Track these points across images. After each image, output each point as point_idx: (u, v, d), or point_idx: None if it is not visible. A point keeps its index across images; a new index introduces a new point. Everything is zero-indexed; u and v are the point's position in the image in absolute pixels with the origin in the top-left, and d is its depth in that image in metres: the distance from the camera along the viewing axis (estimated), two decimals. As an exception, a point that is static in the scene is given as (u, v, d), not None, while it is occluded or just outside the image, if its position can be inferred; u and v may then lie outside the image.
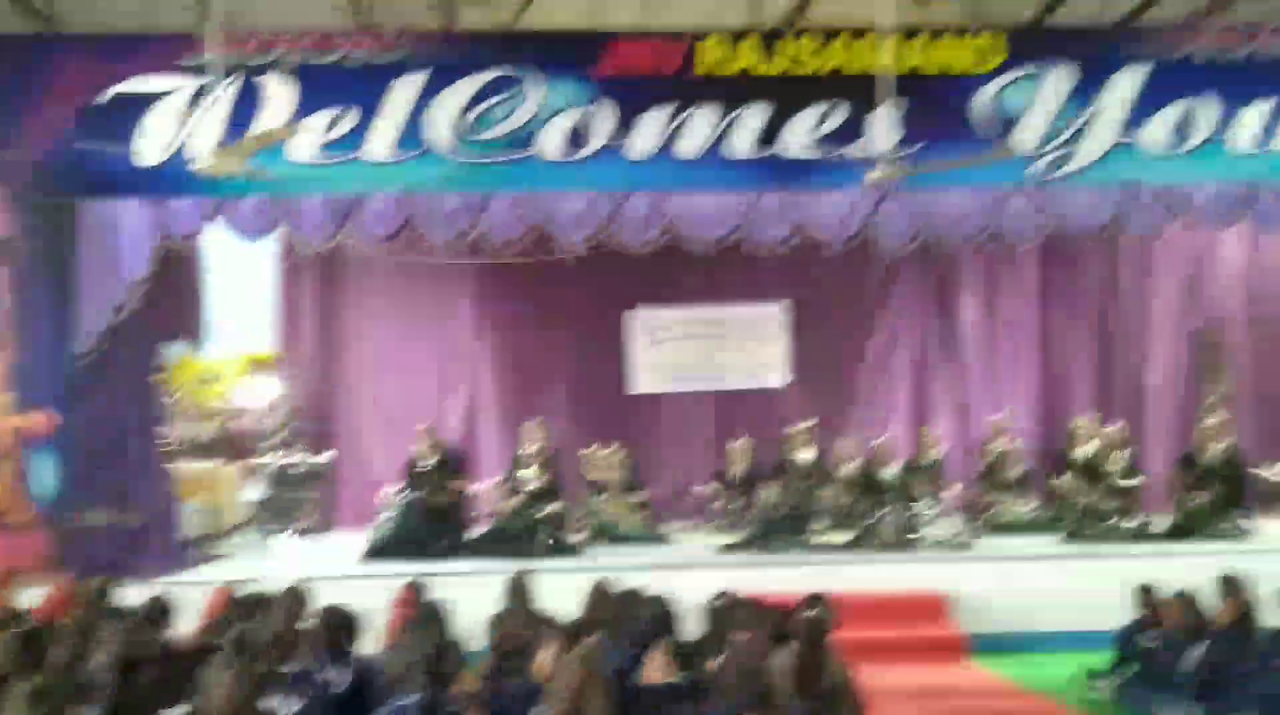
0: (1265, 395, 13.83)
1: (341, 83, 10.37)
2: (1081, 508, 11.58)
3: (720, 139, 10.45)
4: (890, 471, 12.47)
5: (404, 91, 10.39)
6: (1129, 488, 11.76)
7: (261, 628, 5.64)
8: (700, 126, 10.44)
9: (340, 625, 6.13)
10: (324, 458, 13.89)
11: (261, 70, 10.27)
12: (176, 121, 10.15)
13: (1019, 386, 15.06)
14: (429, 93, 10.41)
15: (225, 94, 9.94)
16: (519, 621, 6.27)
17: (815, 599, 5.71)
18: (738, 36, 10.67)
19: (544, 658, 5.29)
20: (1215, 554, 9.86)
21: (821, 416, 13.52)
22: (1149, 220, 11.03)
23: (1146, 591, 7.78)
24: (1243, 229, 11.68)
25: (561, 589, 7.66)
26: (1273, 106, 10.75)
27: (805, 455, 12.42)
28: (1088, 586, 9.34)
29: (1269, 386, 13.79)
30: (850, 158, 10.07)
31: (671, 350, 14.75)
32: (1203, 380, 14.81)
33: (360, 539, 12.05)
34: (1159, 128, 10.69)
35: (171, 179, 10.20)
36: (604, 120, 10.44)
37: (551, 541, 10.89)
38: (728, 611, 6.20)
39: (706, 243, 10.89)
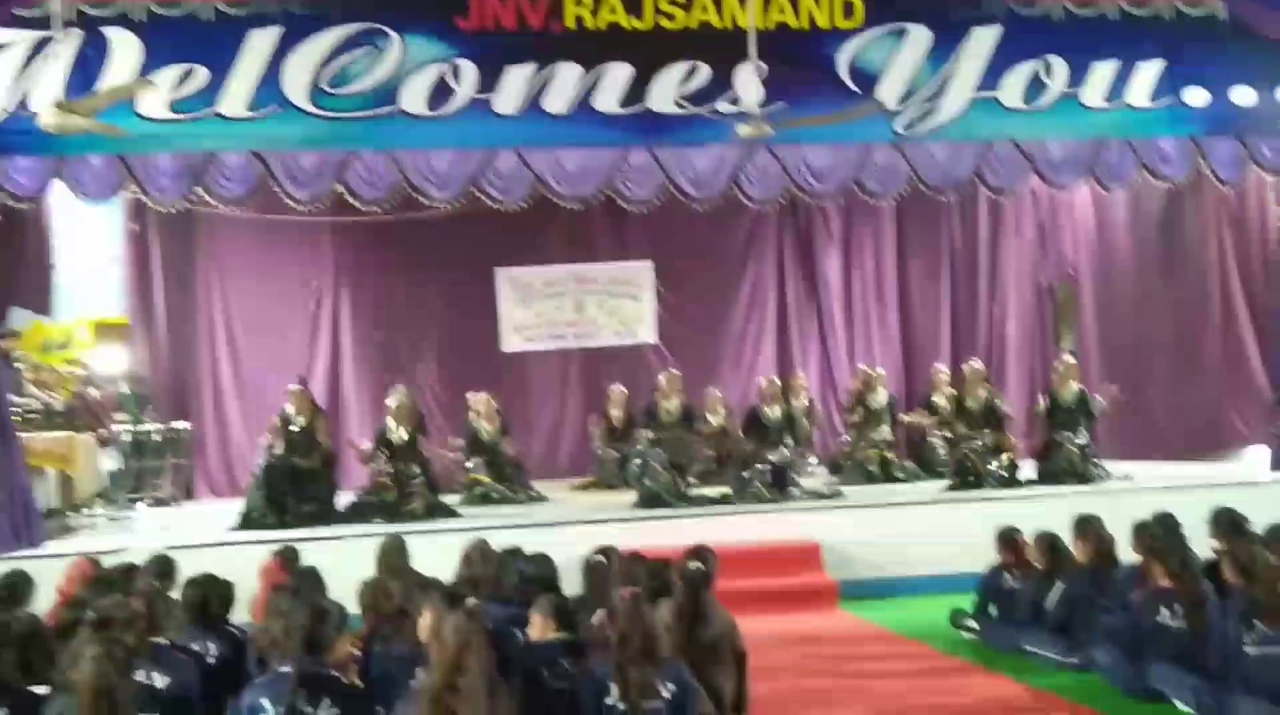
0: (1112, 347, 14.38)
1: (193, 36, 9.96)
2: (954, 452, 11.89)
3: (588, 95, 10.35)
4: (774, 413, 12.37)
5: (258, 45, 10.02)
6: (998, 421, 12.05)
7: (127, 600, 5.43)
8: (567, 82, 10.32)
9: (209, 594, 5.98)
10: (181, 425, 13.50)
11: (107, 23, 9.80)
12: (15, 75, 9.63)
13: (882, 337, 15.48)
14: (284, 47, 10.06)
15: (67, 47, 9.45)
16: (395, 585, 6.17)
17: (698, 551, 5.75)
18: (602, -10, 10.57)
19: (423, 622, 5.22)
20: (1077, 495, 10.28)
21: (691, 370, 13.63)
22: (1007, 175, 11.31)
23: (1009, 534, 8.03)
24: (1094, 185, 12.05)
25: (437, 551, 7.62)
26: (1119, 65, 11.09)
27: (673, 404, 12.41)
28: (955, 532, 9.61)
29: (1115, 338, 14.34)
30: (718, 113, 10.07)
31: (540, 308, 14.74)
32: (1056, 331, 15.41)
33: (222, 507, 11.79)
34: (1014, 85, 10.94)
35: (10, 136, 9.69)
36: (468, 76, 10.25)
37: (426, 503, 10.74)
38: (607, 567, 6.20)
39: (575, 199, 10.81)
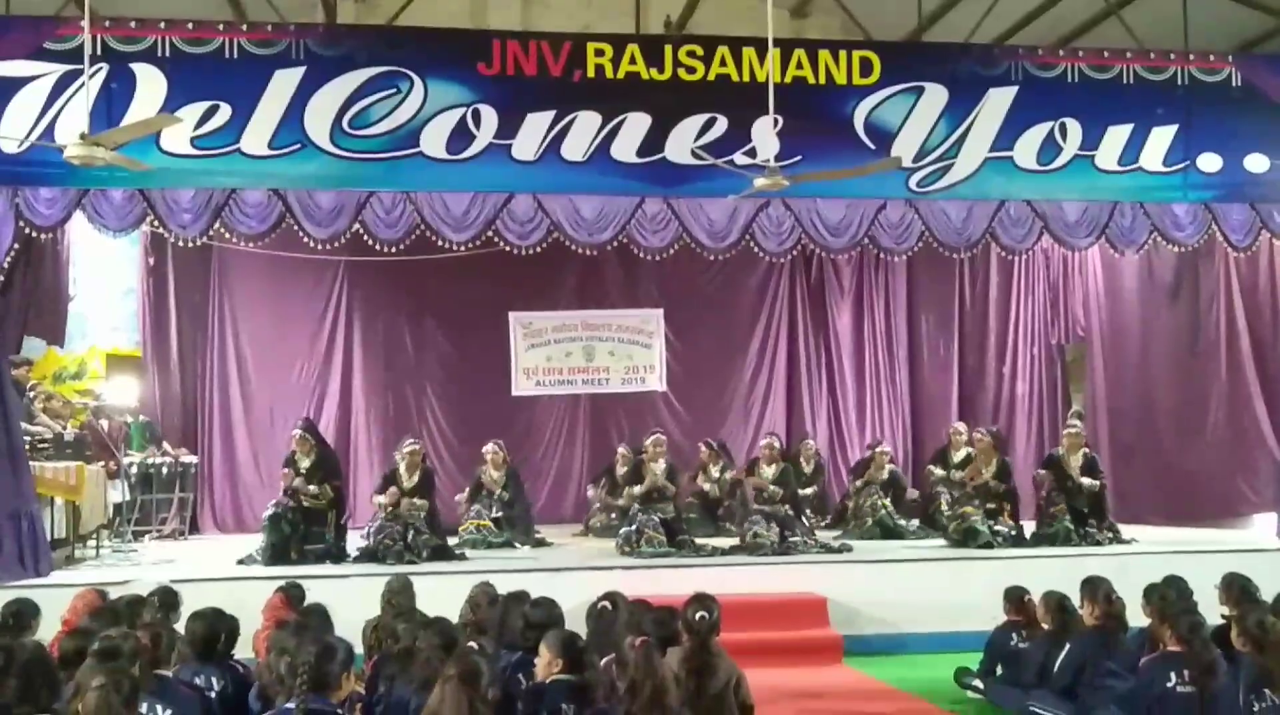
0: (1120, 409, 14.35)
1: (218, 74, 10.02)
2: (957, 514, 11.75)
3: (606, 143, 10.43)
4: (768, 473, 11.84)
5: (282, 85, 10.10)
6: (1002, 491, 11.93)
7: (133, 631, 5.43)
8: (586, 130, 10.40)
9: (214, 629, 5.98)
10: (189, 459, 13.50)
11: (134, 58, 9.91)
12: (41, 107, 9.73)
13: (891, 392, 15.49)
14: (308, 87, 10.15)
15: (94, 80, 9.56)
16: (400, 625, 6.16)
17: (701, 599, 5.72)
18: (622, 42, 10.68)
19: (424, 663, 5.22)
20: (1085, 556, 10.26)
21: (699, 419, 13.61)
22: (1020, 235, 11.33)
23: (1017, 594, 7.99)
24: (1105, 247, 12.07)
25: (443, 592, 7.61)
26: (1134, 129, 11.16)
27: (659, 467, 11.71)
28: (962, 590, 9.58)
29: (1123, 400, 14.31)
30: (735, 165, 10.13)
31: (551, 352, 14.78)
32: (1066, 392, 15.40)
33: (227, 543, 11.80)
34: (1029, 146, 10.99)
35: (34, 167, 9.78)
36: (488, 121, 10.34)
37: (430, 546, 10.71)
38: (613, 613, 6.18)
39: (591, 246, 10.86)
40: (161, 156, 9.81)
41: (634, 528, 11.16)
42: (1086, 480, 11.60)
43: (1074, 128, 11.03)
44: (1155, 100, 11.21)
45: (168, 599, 6.84)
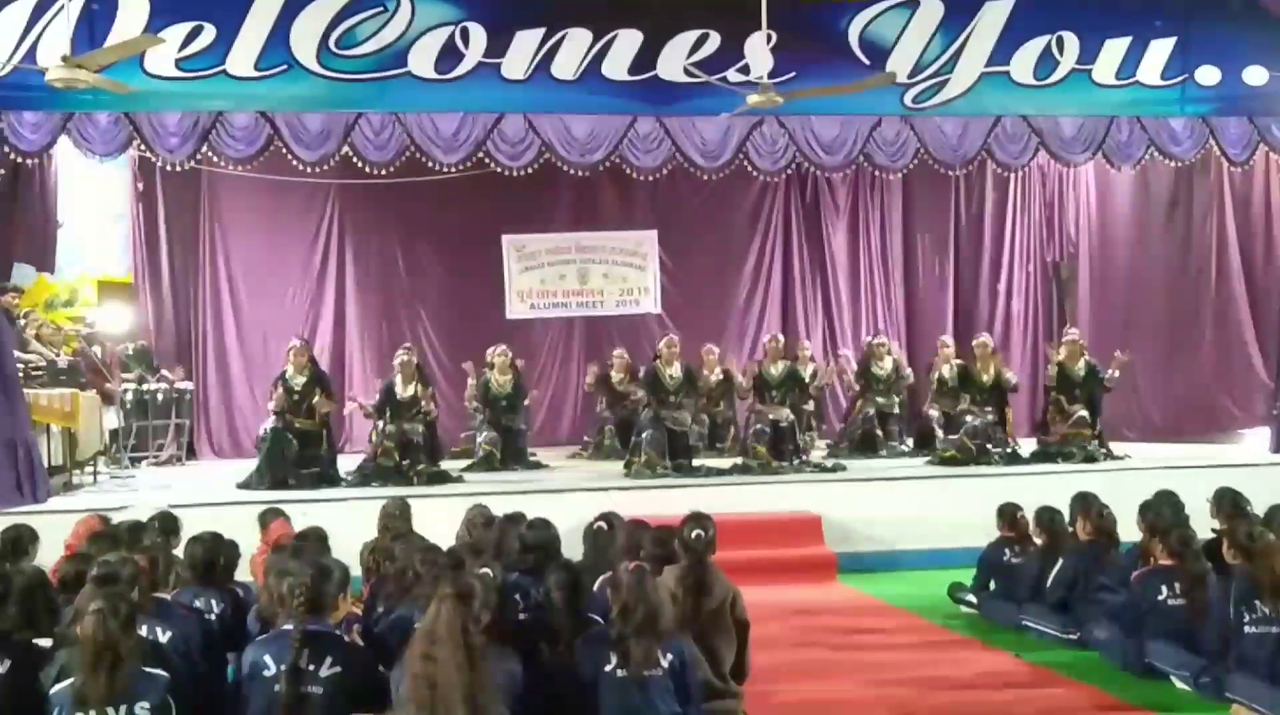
0: (1108, 325, 14.28)
1: (201, -6, 9.91)
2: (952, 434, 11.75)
3: (597, 61, 10.30)
4: (776, 371, 12.00)
5: (267, 4, 9.97)
6: (1004, 397, 11.97)
7: (131, 556, 5.44)
8: (576, 48, 10.28)
9: (214, 553, 6.00)
10: (184, 384, 13.48)
11: (116, -23, 9.74)
12: (22, 29, 9.57)
13: (886, 311, 15.46)
14: (293, 7, 10.00)
15: (75, 2, 9.38)
16: (397, 547, 6.18)
17: (696, 518, 5.74)
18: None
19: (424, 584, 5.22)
20: (1077, 473, 10.33)
21: (694, 341, 13.54)
22: (1016, 151, 11.26)
23: (1010, 510, 8.04)
24: (1100, 162, 11.98)
25: (439, 516, 7.64)
26: (1131, 42, 11.03)
27: (674, 370, 11.82)
28: (956, 507, 9.63)
29: (1111, 317, 14.26)
30: (728, 82, 10.00)
31: (544, 275, 14.73)
32: (1062, 308, 15.36)
33: (224, 467, 11.82)
34: (1026, 61, 10.89)
35: (17, 91, 9.66)
36: (477, 39, 10.20)
37: (427, 469, 10.74)
38: (609, 534, 6.20)
39: (583, 166, 10.77)
40: (146, 79, 9.70)
41: (641, 438, 11.13)
42: (1110, 372, 11.53)
43: (1071, 41, 10.92)
44: (1153, 12, 11.09)
45: (167, 524, 6.87)
